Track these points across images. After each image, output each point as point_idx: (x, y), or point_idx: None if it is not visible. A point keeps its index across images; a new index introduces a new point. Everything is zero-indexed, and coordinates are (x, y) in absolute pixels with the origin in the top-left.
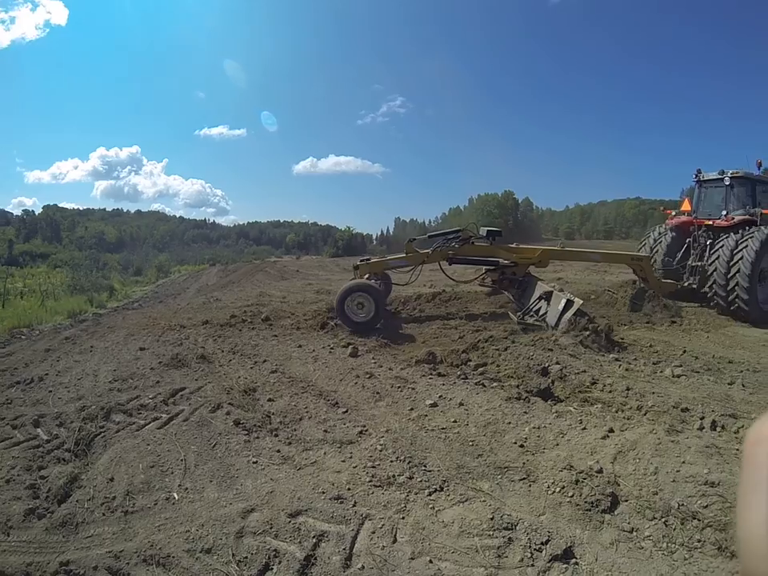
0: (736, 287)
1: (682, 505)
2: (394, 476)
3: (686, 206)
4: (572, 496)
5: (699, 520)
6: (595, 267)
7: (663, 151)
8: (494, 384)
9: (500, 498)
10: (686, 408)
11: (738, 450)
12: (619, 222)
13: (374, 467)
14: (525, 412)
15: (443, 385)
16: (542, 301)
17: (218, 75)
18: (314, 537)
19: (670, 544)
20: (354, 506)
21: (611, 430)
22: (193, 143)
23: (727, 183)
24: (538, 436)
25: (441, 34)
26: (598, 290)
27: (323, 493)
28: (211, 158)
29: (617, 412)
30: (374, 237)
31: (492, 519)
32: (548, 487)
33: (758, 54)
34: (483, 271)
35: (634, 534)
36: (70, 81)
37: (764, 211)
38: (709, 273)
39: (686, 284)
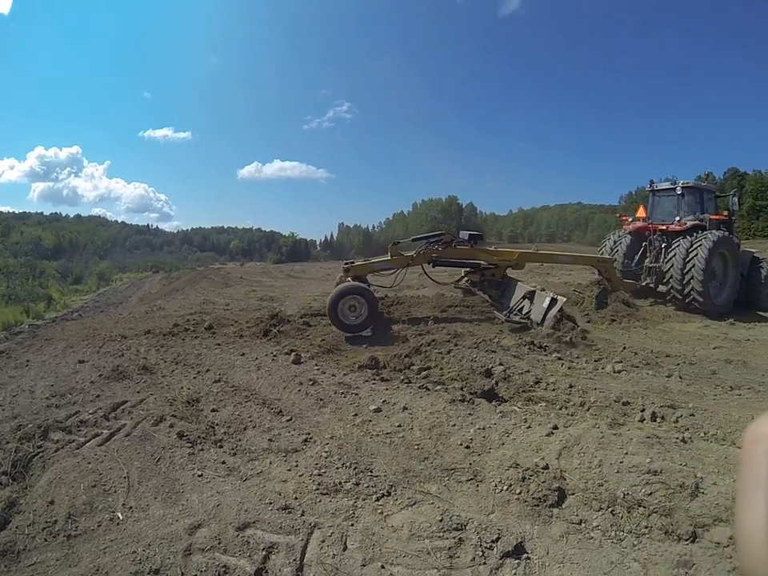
0: (692, 281)
1: (627, 494)
2: (340, 483)
3: (641, 213)
4: (520, 493)
5: (645, 507)
6: (539, 270)
7: (603, 157)
8: (438, 387)
9: (448, 499)
10: (627, 401)
11: (677, 438)
12: (561, 225)
13: (320, 475)
14: (469, 413)
15: (387, 390)
16: (526, 300)
17: (164, 75)
18: (263, 549)
19: (618, 532)
20: (302, 515)
21: (555, 427)
22: (136, 145)
23: (679, 192)
24: (484, 436)
25: (389, 40)
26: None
27: (270, 503)
28: (155, 160)
29: (560, 409)
30: (318, 242)
31: (441, 521)
32: (495, 486)
33: (699, 59)
34: (462, 273)
35: (583, 525)
36: (8, 73)
37: (712, 217)
38: (666, 271)
39: (643, 283)
